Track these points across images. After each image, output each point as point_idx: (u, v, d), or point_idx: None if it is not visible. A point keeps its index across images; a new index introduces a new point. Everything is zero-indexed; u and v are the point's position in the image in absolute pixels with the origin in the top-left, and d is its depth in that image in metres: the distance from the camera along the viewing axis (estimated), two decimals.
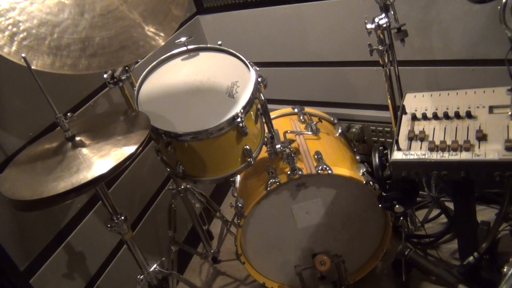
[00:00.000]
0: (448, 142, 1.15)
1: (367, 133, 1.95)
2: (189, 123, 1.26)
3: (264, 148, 1.45)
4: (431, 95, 1.34)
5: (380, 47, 1.35)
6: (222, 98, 1.31)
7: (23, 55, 0.96)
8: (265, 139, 1.44)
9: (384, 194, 1.30)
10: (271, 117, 1.48)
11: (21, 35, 1.02)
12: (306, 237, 1.58)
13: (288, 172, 1.42)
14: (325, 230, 1.56)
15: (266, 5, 1.88)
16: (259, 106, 1.35)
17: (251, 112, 1.32)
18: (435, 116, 1.24)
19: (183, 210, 1.73)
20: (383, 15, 1.30)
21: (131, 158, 0.99)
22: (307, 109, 1.79)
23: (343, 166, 1.48)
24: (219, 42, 1.47)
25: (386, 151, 1.32)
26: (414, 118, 1.28)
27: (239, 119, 1.24)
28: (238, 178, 1.74)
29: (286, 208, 1.51)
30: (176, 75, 1.42)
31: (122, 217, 1.25)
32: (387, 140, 1.90)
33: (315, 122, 1.66)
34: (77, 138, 1.07)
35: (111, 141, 1.05)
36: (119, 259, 1.63)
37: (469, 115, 1.20)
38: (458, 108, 1.23)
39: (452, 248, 1.67)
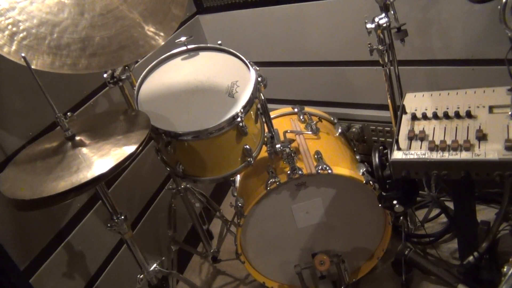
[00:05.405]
0: (448, 142, 1.15)
1: (367, 133, 1.95)
2: (189, 122, 1.26)
3: (264, 148, 1.45)
4: (431, 95, 1.34)
5: (380, 47, 1.35)
6: (222, 97, 1.31)
7: (23, 54, 0.96)
8: (265, 139, 1.44)
9: (384, 194, 1.29)
10: (271, 116, 1.49)
11: (21, 35, 1.02)
12: (306, 237, 1.58)
13: (288, 172, 1.42)
14: (325, 229, 1.56)
15: (266, 5, 1.87)
16: (259, 105, 1.35)
17: (251, 112, 1.32)
18: (435, 116, 1.24)
19: (183, 210, 1.73)
20: (383, 14, 1.30)
21: (131, 157, 0.99)
22: (307, 109, 1.79)
23: (343, 166, 1.48)
24: (219, 42, 1.47)
25: (386, 150, 1.32)
26: (414, 117, 1.28)
27: (239, 119, 1.24)
28: (238, 177, 1.74)
29: (286, 208, 1.51)
30: (176, 75, 1.42)
31: (122, 217, 1.25)
32: (387, 139, 1.90)
33: (315, 122, 1.66)
34: (77, 138, 1.07)
35: (111, 141, 1.05)
36: (119, 258, 1.64)
37: (469, 114, 1.19)
38: (458, 107, 1.23)
39: (452, 248, 1.67)
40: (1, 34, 1.00)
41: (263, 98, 1.36)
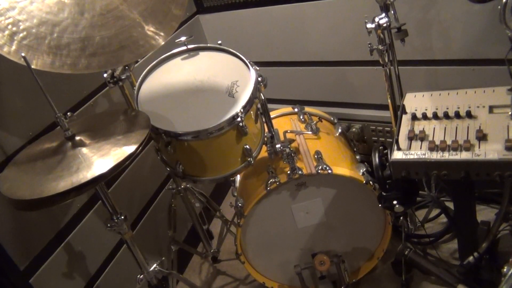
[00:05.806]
0: (448, 142, 1.15)
1: (367, 133, 1.95)
2: (189, 122, 1.26)
3: (264, 148, 1.45)
4: (431, 95, 1.34)
5: (380, 47, 1.35)
6: (222, 97, 1.31)
7: (23, 54, 0.96)
8: (265, 139, 1.44)
9: (384, 194, 1.29)
10: (271, 116, 1.48)
11: (21, 35, 1.02)
12: (306, 237, 1.58)
13: (288, 172, 1.42)
14: (325, 230, 1.56)
15: (266, 5, 1.87)
16: (259, 105, 1.35)
17: (251, 112, 1.32)
18: (435, 116, 1.24)
19: (183, 210, 1.73)
20: (383, 14, 1.30)
21: (131, 157, 0.99)
22: (307, 109, 1.79)
23: (343, 166, 1.48)
24: (219, 42, 1.47)
25: (386, 150, 1.32)
26: (414, 117, 1.28)
27: (239, 119, 1.24)
28: (238, 177, 1.74)
29: (286, 208, 1.51)
30: (176, 75, 1.42)
31: (122, 217, 1.25)
32: (387, 139, 1.90)
33: (315, 122, 1.65)
34: (77, 138, 1.07)
35: (111, 141, 1.05)
36: (119, 258, 1.63)
37: (469, 115, 1.19)
38: (458, 108, 1.23)
39: (452, 248, 1.67)
40: (1, 33, 1.00)
41: (263, 98, 1.36)
